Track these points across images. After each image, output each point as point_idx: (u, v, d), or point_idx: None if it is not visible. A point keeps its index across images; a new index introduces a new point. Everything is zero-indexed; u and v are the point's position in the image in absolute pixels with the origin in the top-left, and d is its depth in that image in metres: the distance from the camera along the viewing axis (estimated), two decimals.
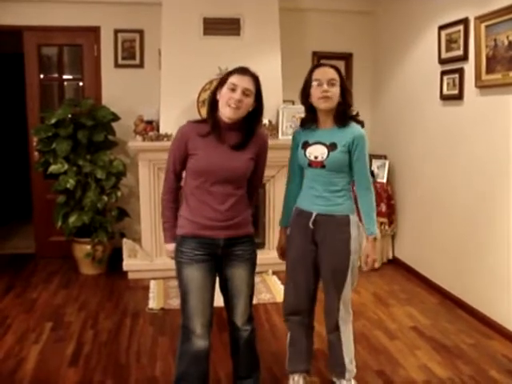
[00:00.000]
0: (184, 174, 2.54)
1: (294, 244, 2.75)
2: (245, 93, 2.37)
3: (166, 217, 2.57)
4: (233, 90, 2.36)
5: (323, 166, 2.61)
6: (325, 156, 2.60)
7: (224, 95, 2.39)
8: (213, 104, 2.46)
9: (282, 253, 2.88)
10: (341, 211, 2.65)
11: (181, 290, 2.50)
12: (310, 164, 2.64)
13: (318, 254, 2.70)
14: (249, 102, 2.40)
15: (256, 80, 2.43)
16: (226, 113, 2.39)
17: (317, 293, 2.82)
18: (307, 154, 2.64)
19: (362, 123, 2.73)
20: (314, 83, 2.58)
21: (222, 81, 2.43)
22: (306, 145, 2.66)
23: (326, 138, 2.62)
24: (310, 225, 2.66)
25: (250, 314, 2.61)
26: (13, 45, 5.72)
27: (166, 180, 2.56)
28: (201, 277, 2.45)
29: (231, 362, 2.73)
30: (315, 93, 2.58)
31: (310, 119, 2.70)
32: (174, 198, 2.55)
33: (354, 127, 2.65)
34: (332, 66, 2.63)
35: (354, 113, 2.74)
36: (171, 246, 2.55)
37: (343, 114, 2.63)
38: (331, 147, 2.60)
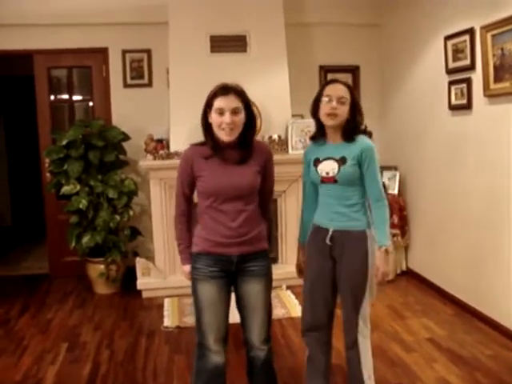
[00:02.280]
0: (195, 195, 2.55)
1: (312, 261, 2.75)
2: (234, 111, 2.35)
3: (180, 239, 2.59)
4: (221, 113, 2.34)
5: (335, 181, 2.62)
6: (336, 171, 2.61)
7: (215, 120, 2.36)
8: (207, 127, 2.44)
9: (300, 270, 2.88)
10: (358, 226, 2.63)
11: (195, 306, 2.50)
12: (323, 180, 2.65)
13: (335, 270, 2.69)
14: (241, 118, 2.38)
15: (240, 94, 2.39)
16: (221, 137, 2.37)
17: (335, 309, 2.79)
18: (319, 171, 2.66)
19: (369, 134, 2.75)
20: (325, 99, 2.58)
21: (209, 104, 2.40)
22: (316, 162, 2.67)
23: (336, 153, 2.63)
24: (327, 241, 2.66)
25: (267, 333, 2.55)
26: (23, 67, 5.79)
27: (176, 203, 2.58)
28: (215, 293, 2.45)
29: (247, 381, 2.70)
30: (324, 109, 2.59)
31: (320, 134, 2.72)
32: (185, 220, 2.57)
33: (362, 139, 2.65)
34: (345, 84, 2.64)
35: (362, 127, 2.75)
36: (188, 268, 2.56)
37: (351, 131, 2.63)
38: (341, 161, 2.61)
